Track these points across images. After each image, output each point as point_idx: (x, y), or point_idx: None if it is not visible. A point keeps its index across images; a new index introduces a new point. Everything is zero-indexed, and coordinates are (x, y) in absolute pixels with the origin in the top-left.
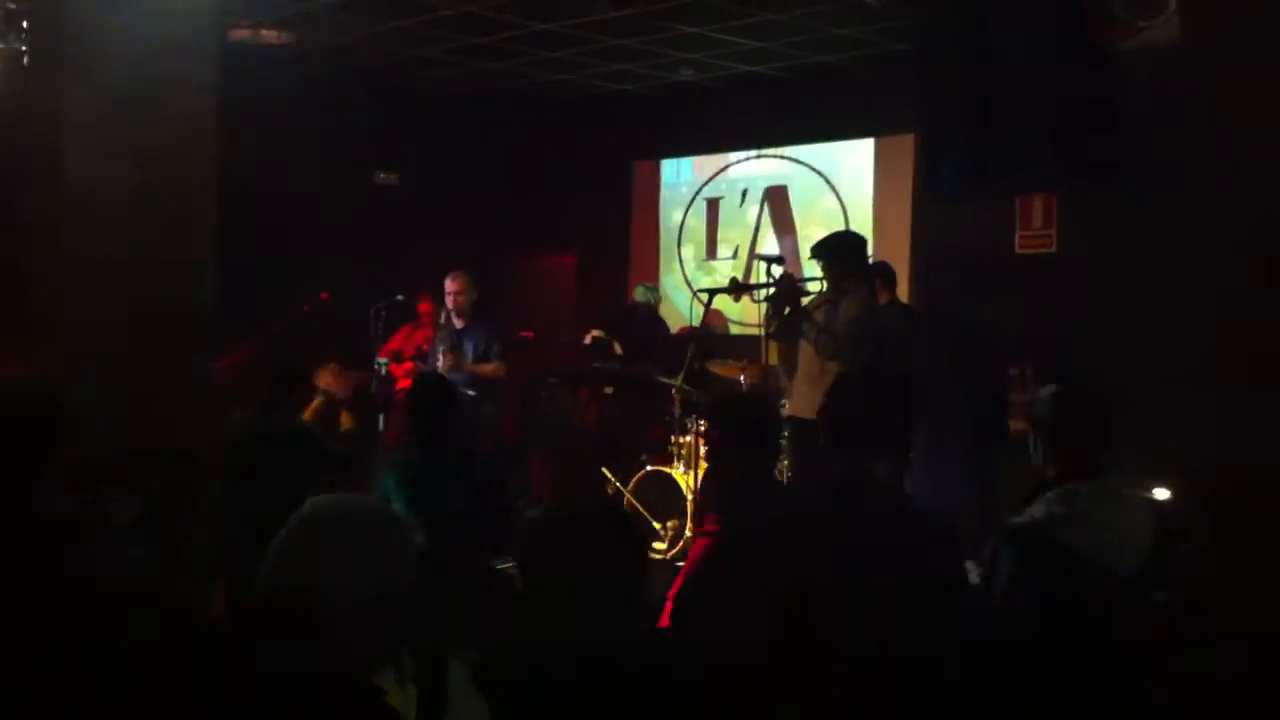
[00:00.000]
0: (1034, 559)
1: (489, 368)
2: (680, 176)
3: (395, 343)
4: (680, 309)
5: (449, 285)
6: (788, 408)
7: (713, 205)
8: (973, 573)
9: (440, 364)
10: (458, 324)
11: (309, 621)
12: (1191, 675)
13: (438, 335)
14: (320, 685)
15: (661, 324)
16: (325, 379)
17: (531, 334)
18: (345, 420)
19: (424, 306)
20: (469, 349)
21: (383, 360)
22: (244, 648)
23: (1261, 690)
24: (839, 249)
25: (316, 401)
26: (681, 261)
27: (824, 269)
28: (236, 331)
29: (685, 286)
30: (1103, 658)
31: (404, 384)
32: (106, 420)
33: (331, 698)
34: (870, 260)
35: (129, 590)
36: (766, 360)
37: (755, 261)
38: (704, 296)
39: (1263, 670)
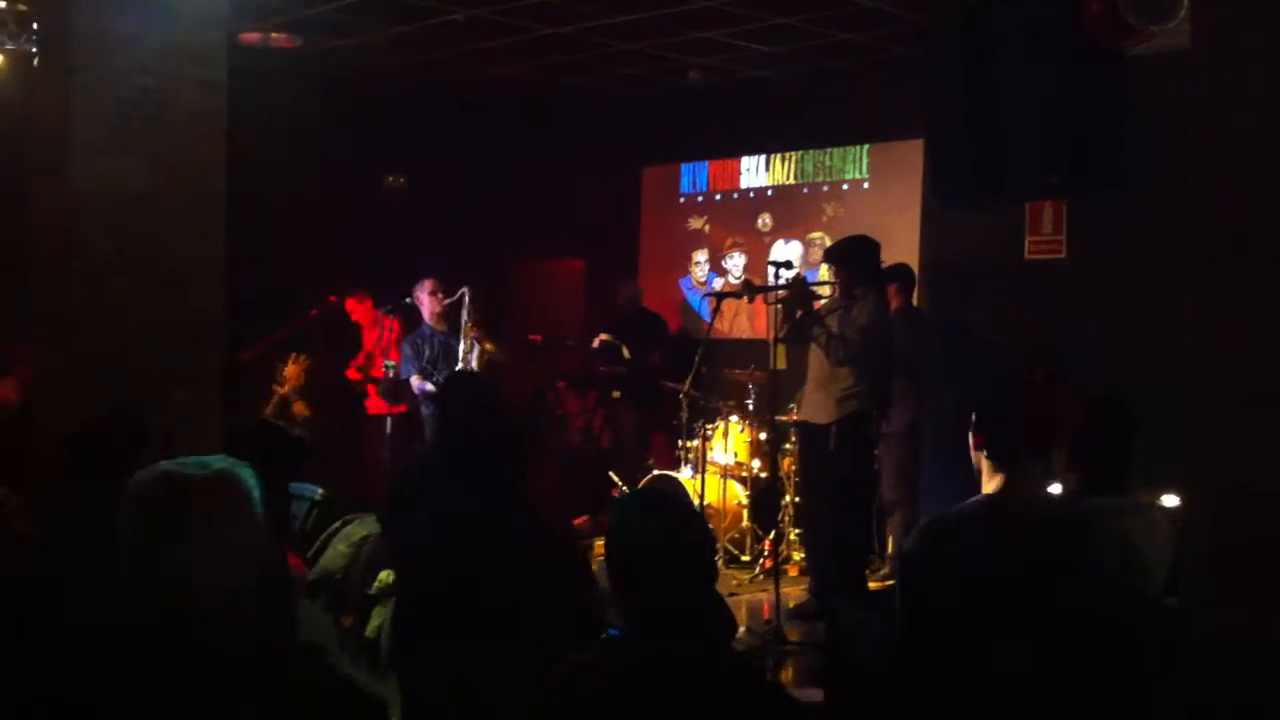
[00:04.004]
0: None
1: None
2: (696, 182)
3: (367, 346)
4: (696, 311)
5: (431, 290)
6: (797, 413)
7: (726, 209)
8: None
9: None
10: (440, 328)
11: (188, 607)
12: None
13: (419, 341)
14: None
15: (654, 317)
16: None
17: (539, 338)
18: (300, 409)
19: (354, 305)
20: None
21: (391, 362)
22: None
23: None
24: (852, 254)
25: (274, 395)
26: (696, 265)
27: (836, 274)
28: (244, 335)
29: (699, 289)
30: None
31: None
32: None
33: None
34: (883, 265)
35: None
36: (775, 365)
37: (766, 266)
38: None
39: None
